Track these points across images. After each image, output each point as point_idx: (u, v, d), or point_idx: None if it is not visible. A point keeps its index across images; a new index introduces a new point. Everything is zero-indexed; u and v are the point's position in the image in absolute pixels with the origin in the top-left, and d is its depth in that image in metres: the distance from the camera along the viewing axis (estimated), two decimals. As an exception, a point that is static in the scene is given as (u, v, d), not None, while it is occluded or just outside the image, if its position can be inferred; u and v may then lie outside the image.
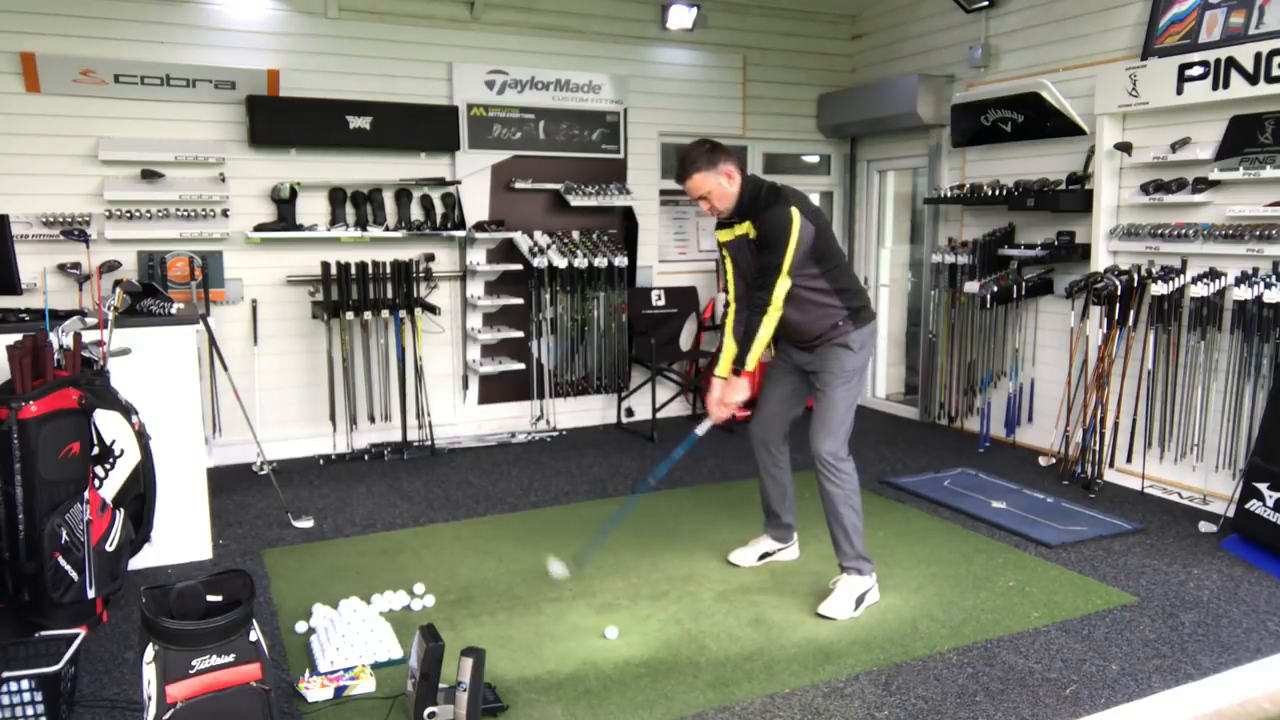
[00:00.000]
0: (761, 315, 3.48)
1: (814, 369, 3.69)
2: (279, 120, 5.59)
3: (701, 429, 3.73)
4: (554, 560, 3.79)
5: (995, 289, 5.83)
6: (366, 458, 5.87)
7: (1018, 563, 4.08)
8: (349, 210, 5.86)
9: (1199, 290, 4.68)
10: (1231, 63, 4.48)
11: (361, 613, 3.28)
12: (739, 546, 4.11)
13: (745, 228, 3.57)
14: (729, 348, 3.74)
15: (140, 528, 3.71)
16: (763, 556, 4.04)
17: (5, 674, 2.64)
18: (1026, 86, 5.68)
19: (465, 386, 6.41)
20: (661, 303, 6.92)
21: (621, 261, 6.46)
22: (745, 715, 2.87)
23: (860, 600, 3.59)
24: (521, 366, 6.36)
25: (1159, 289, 4.84)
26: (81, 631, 2.89)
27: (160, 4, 5.35)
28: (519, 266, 6.28)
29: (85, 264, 5.13)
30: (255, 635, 2.45)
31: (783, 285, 3.46)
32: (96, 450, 3.45)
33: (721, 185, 3.53)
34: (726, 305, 3.85)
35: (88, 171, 5.23)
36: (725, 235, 3.71)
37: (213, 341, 5.07)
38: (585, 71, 6.49)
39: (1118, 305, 5.03)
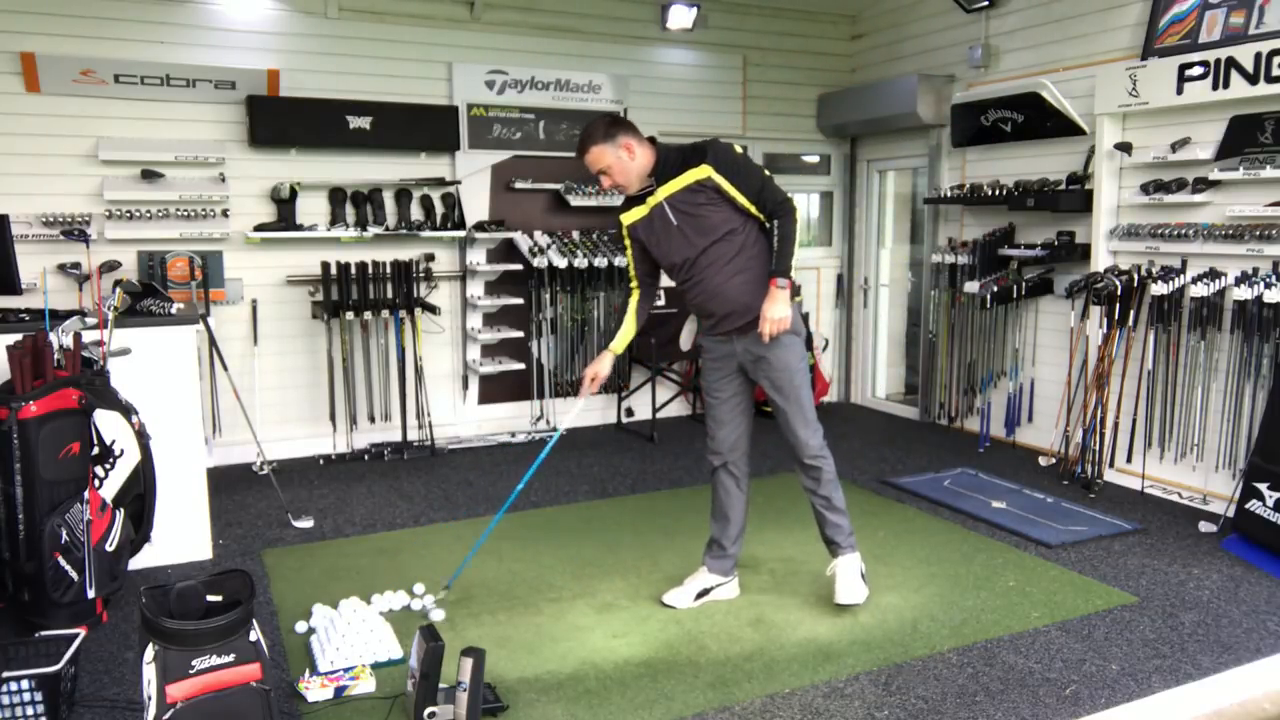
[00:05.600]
0: (790, 215, 3.37)
1: (761, 359, 3.47)
2: (279, 120, 5.59)
3: (578, 404, 3.79)
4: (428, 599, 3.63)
5: (995, 289, 5.83)
6: (366, 458, 5.87)
7: (1018, 563, 4.09)
8: (349, 210, 5.86)
9: (1199, 290, 4.68)
10: (1231, 63, 4.48)
11: (361, 613, 3.28)
12: (672, 587, 3.74)
13: (672, 186, 3.38)
14: (628, 327, 3.65)
15: (140, 528, 3.71)
16: (701, 594, 3.67)
17: (5, 674, 2.64)
18: (1026, 86, 5.69)
19: (465, 386, 6.41)
20: (661, 303, 6.90)
21: (621, 261, 6.46)
22: (745, 715, 2.87)
23: (863, 575, 3.63)
24: (521, 366, 6.37)
25: (1159, 289, 4.84)
26: (81, 631, 2.89)
27: (160, 4, 5.35)
28: (519, 266, 6.28)
29: (85, 264, 5.13)
30: (255, 635, 2.45)
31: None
32: (96, 450, 3.45)
33: (621, 159, 3.38)
34: (629, 289, 3.71)
35: (88, 171, 5.23)
36: (636, 214, 3.51)
37: (213, 341, 5.07)
38: (585, 71, 6.49)
39: (1118, 305, 5.03)
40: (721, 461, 3.65)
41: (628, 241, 3.63)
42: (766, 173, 3.45)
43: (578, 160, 3.53)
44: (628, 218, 3.57)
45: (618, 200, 6.37)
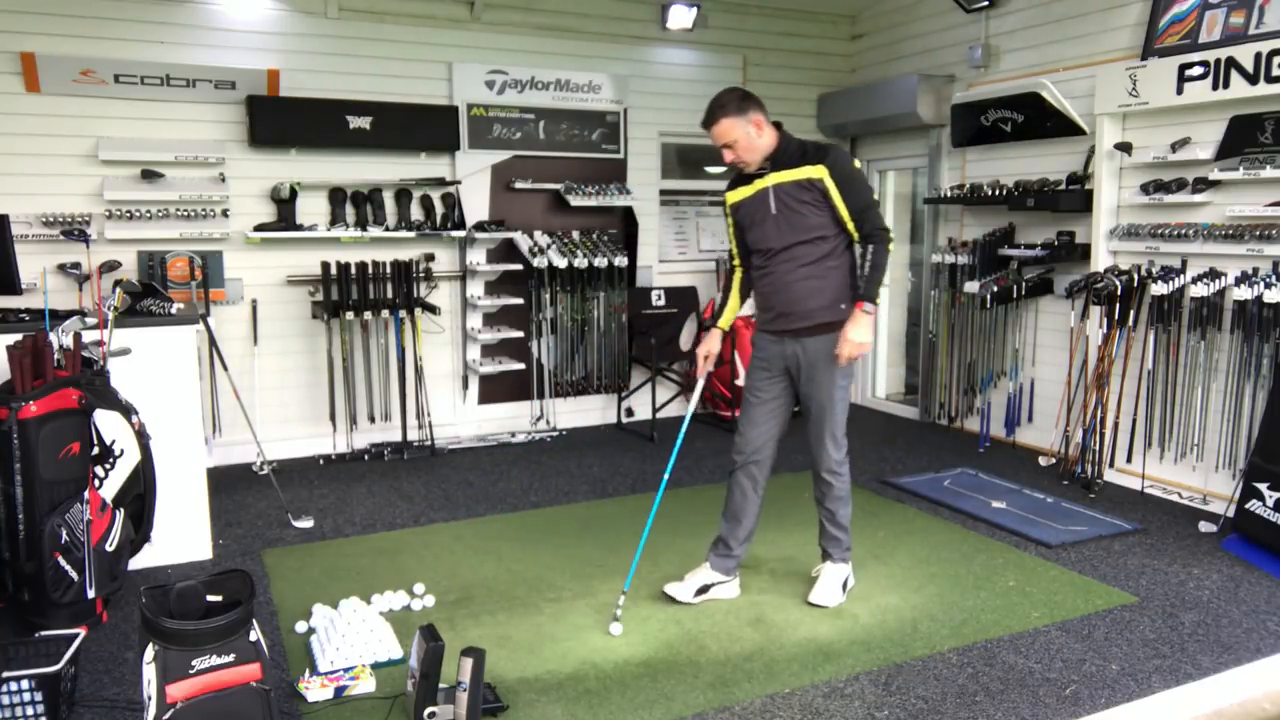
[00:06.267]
0: (886, 243, 3.40)
1: (810, 367, 3.50)
2: (279, 120, 5.58)
3: (694, 399, 3.76)
4: (614, 623, 3.47)
5: (995, 289, 5.83)
6: (366, 458, 5.87)
7: (1018, 563, 4.09)
8: (349, 210, 5.86)
9: (1199, 290, 4.68)
10: (1231, 63, 4.48)
11: (361, 613, 3.28)
12: (673, 580, 3.74)
13: (785, 176, 3.40)
14: (733, 303, 3.71)
15: (140, 528, 3.71)
16: (701, 590, 3.66)
17: (5, 674, 2.64)
18: (1026, 86, 5.69)
19: (465, 386, 6.41)
20: (661, 303, 6.92)
21: (621, 261, 6.46)
22: (745, 715, 2.87)
23: (844, 586, 3.70)
24: (521, 366, 6.36)
25: (1159, 289, 4.84)
26: (81, 631, 2.89)
27: (160, 4, 5.35)
28: (519, 266, 6.28)
29: (85, 264, 5.13)
30: (255, 635, 2.45)
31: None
32: (96, 450, 3.45)
33: (749, 134, 3.38)
34: (732, 267, 3.73)
35: (88, 171, 5.23)
36: (742, 193, 3.52)
37: (213, 341, 5.07)
38: (585, 71, 6.49)
39: (1118, 305, 5.03)
40: (744, 462, 3.64)
41: (730, 220, 3.66)
42: (875, 196, 3.47)
43: (704, 130, 3.47)
44: (733, 196, 3.59)
45: (617, 201, 6.48)
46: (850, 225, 3.43)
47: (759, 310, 3.65)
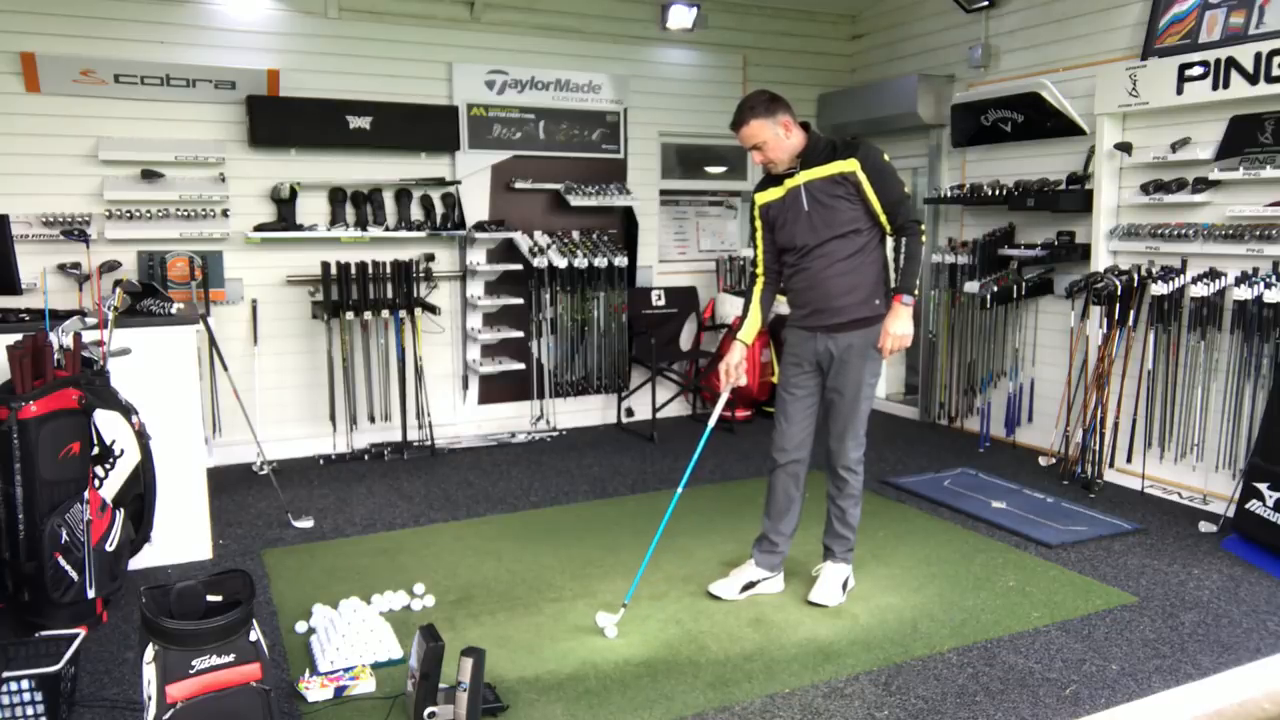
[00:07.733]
0: (918, 236, 3.42)
1: (841, 362, 3.49)
2: (279, 120, 5.58)
3: (715, 413, 3.76)
4: (606, 619, 3.45)
5: (995, 289, 5.83)
6: (366, 458, 5.87)
7: (1018, 563, 4.09)
8: (349, 210, 5.86)
9: (1199, 290, 4.68)
10: (1231, 63, 4.48)
11: (361, 613, 3.28)
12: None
13: (816, 173, 3.41)
14: (754, 317, 3.67)
15: (140, 528, 3.71)
16: (747, 587, 3.71)
17: (5, 674, 2.64)
18: (1026, 86, 5.69)
19: (465, 386, 6.41)
20: (661, 303, 6.92)
21: (621, 261, 6.46)
22: (745, 715, 2.87)
23: (845, 586, 3.71)
24: (521, 366, 6.36)
25: (1159, 289, 4.84)
26: (81, 631, 2.88)
27: (160, 4, 5.35)
28: (519, 266, 6.28)
29: (85, 264, 5.13)
30: (255, 635, 2.45)
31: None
32: (96, 450, 3.45)
33: (778, 135, 3.41)
34: (754, 275, 3.71)
35: (88, 171, 5.23)
36: (772, 194, 3.53)
37: (213, 341, 5.07)
38: (585, 71, 6.49)
39: (1118, 305, 5.03)
40: (786, 460, 3.65)
41: (758, 224, 3.64)
42: (906, 189, 3.49)
43: (732, 132, 3.50)
44: (762, 197, 3.60)
45: (617, 201, 6.48)
46: (883, 218, 3.44)
47: (791, 307, 3.65)
